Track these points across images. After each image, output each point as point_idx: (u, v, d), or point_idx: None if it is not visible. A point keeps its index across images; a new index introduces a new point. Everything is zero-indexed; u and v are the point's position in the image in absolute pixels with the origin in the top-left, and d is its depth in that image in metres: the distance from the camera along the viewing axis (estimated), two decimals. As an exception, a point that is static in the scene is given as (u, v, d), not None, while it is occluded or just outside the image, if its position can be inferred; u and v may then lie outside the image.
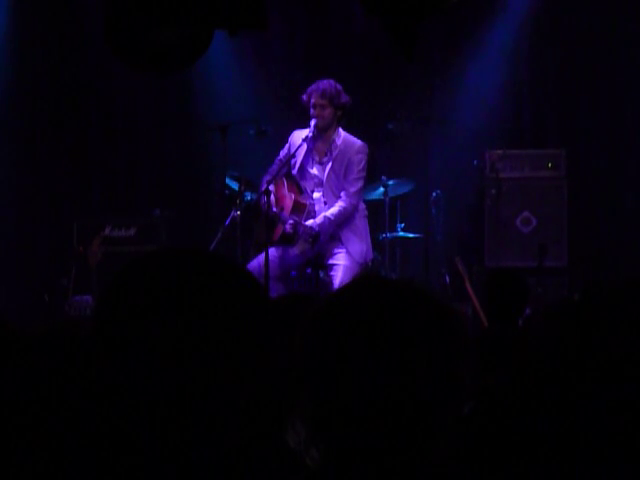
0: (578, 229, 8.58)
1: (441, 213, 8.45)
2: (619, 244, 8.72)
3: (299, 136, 7.18)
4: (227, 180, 7.41)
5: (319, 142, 7.19)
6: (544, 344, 2.04)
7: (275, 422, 1.49)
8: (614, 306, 1.94)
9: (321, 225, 7.00)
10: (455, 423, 1.61)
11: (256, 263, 6.96)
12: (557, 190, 8.53)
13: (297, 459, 1.70)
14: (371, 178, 7.64)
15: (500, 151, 8.47)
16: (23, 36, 9.08)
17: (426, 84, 9.14)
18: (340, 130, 7.17)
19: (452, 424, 1.60)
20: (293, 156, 7.22)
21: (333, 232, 7.11)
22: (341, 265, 7.07)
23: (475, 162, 8.61)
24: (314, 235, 6.96)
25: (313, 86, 7.12)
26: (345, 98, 7.10)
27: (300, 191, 7.25)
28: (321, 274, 7.21)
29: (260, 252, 7.01)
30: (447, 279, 8.23)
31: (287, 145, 7.33)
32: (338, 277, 7.01)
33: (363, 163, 7.12)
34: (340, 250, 7.13)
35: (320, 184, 7.21)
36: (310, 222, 7.02)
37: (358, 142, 7.16)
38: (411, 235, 8.26)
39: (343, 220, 7.10)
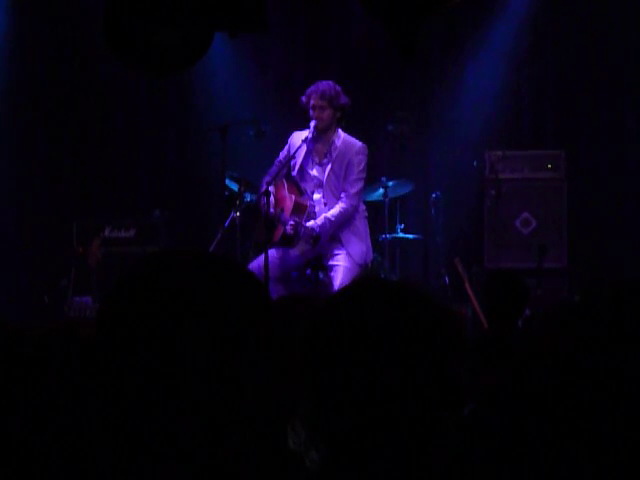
0: (578, 230, 8.58)
1: (441, 214, 8.46)
2: (619, 245, 8.72)
3: (299, 137, 7.18)
4: (227, 181, 7.40)
5: (319, 143, 7.19)
6: (544, 345, 2.04)
7: (275, 423, 1.49)
8: (614, 307, 1.94)
9: (322, 226, 7.00)
10: (455, 424, 1.61)
11: (256, 264, 6.95)
12: (557, 191, 8.53)
13: (297, 460, 1.70)
14: (370, 179, 7.64)
15: (500, 152, 8.47)
16: (23, 36, 9.08)
17: (426, 85, 9.14)
18: (340, 131, 7.17)
19: (452, 425, 1.60)
20: (293, 157, 7.22)
21: (333, 233, 7.11)
22: (341, 266, 7.07)
23: (475, 163, 8.60)
24: (315, 236, 6.96)
25: (312, 87, 7.12)
26: (344, 99, 7.10)
27: (300, 192, 7.25)
28: (321, 275, 7.21)
29: (260, 253, 7.01)
30: (447, 280, 8.23)
31: (287, 146, 7.32)
32: (338, 278, 7.01)
33: (363, 164, 7.12)
34: (340, 251, 7.13)
35: (320, 185, 7.21)
36: (311, 223, 7.02)
37: (358, 143, 7.16)
38: (411, 236, 8.26)
39: (343, 221, 7.10)
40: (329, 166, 7.14)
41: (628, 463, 1.85)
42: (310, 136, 7.08)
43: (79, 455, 1.62)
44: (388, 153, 8.78)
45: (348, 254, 7.11)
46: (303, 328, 1.62)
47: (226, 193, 7.41)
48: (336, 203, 7.11)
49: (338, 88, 7.10)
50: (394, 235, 8.08)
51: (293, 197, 7.13)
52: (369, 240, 7.31)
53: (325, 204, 7.17)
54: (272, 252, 7.00)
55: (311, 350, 1.60)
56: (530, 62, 9.03)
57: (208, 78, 9.02)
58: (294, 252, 7.15)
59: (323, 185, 7.18)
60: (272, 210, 7.03)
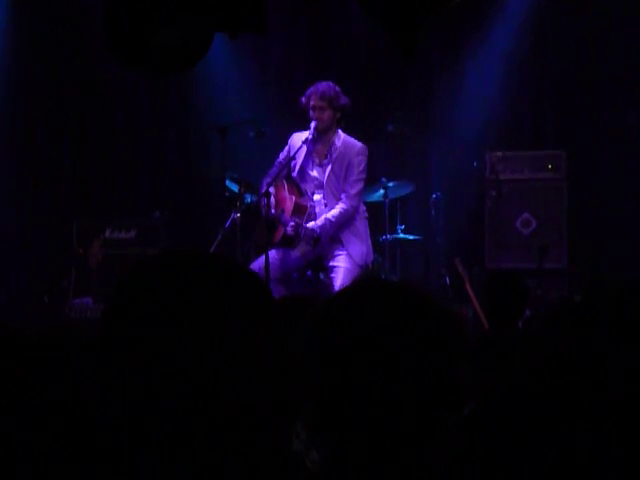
0: (578, 231, 8.57)
1: (441, 215, 8.45)
2: (619, 245, 8.71)
3: (299, 138, 7.18)
4: (227, 182, 7.40)
5: (319, 144, 7.19)
6: (544, 345, 2.04)
7: (276, 423, 1.49)
8: (614, 308, 1.94)
9: (322, 227, 7.00)
10: (455, 424, 1.61)
11: (256, 265, 6.95)
12: (557, 192, 8.52)
13: (298, 460, 1.71)
14: (370, 180, 7.64)
15: (500, 153, 8.46)
16: (23, 36, 9.08)
17: (426, 85, 9.14)
18: (340, 132, 7.17)
19: (452, 425, 1.60)
20: (293, 158, 7.22)
21: (334, 234, 7.11)
22: (342, 267, 7.07)
23: (475, 164, 8.60)
24: (316, 237, 6.96)
25: (312, 88, 7.12)
26: (344, 100, 7.10)
27: (300, 193, 7.25)
28: (321, 276, 7.21)
29: (260, 254, 7.01)
30: (447, 281, 8.23)
31: (287, 147, 7.33)
32: (338, 279, 7.01)
33: (363, 165, 7.12)
34: (341, 252, 7.13)
35: (320, 186, 7.21)
36: (311, 224, 7.02)
37: (358, 144, 7.16)
38: (411, 237, 8.26)
39: (344, 222, 7.10)
40: (329, 167, 7.14)
41: (628, 463, 1.85)
42: (310, 137, 7.08)
43: (79, 456, 1.61)
44: (388, 154, 8.77)
45: (349, 255, 7.11)
46: (303, 329, 1.62)
47: (226, 194, 7.41)
48: (336, 204, 7.11)
49: (338, 89, 7.10)
50: (394, 236, 8.08)
51: (293, 198, 7.14)
52: (369, 241, 7.31)
53: (325, 205, 7.17)
54: (272, 253, 7.00)
55: (311, 351, 1.60)
56: (530, 62, 9.03)
57: (208, 78, 9.02)
58: (294, 253, 7.15)
59: (323, 186, 7.18)
60: (273, 211, 7.03)
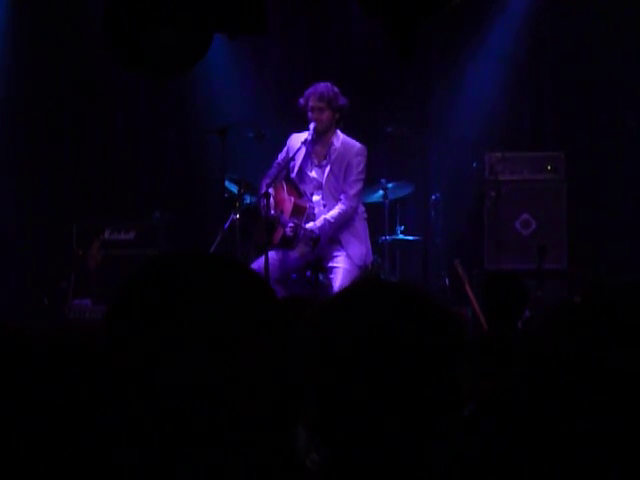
0: (577, 231, 8.57)
1: (440, 216, 8.45)
2: (618, 246, 8.72)
3: (297, 139, 7.18)
4: (226, 183, 7.40)
5: (318, 145, 7.19)
6: (544, 347, 2.04)
7: (276, 423, 1.49)
8: (614, 308, 1.94)
9: (321, 228, 7.00)
10: (455, 424, 1.61)
11: (256, 266, 6.95)
12: (556, 192, 8.53)
13: (299, 461, 1.70)
14: (370, 181, 7.64)
15: (499, 154, 8.47)
16: (23, 36, 9.08)
17: (426, 86, 9.14)
18: (339, 133, 7.18)
19: (452, 425, 1.60)
20: (292, 159, 7.22)
21: (333, 235, 7.11)
22: (341, 268, 7.07)
23: (474, 165, 8.61)
24: (315, 238, 6.96)
25: (311, 89, 7.12)
26: (343, 101, 7.11)
27: (299, 194, 7.25)
28: (321, 277, 7.21)
29: (260, 255, 7.01)
30: (447, 282, 8.23)
31: (285, 148, 7.33)
32: (338, 280, 7.01)
33: (362, 165, 7.13)
34: (340, 253, 7.13)
35: (319, 187, 7.21)
36: (310, 225, 7.02)
37: (357, 145, 7.16)
38: (411, 238, 8.26)
39: (343, 223, 7.11)
40: (328, 168, 7.14)
41: (628, 463, 1.85)
42: (309, 138, 7.08)
43: (79, 456, 1.61)
44: (387, 154, 8.78)
45: (348, 256, 7.11)
46: (303, 329, 1.62)
47: (226, 195, 7.41)
48: (335, 205, 7.11)
49: (336, 89, 7.10)
50: (394, 237, 8.08)
51: (292, 199, 7.14)
52: (369, 242, 7.31)
53: (324, 206, 7.17)
54: (272, 254, 7.00)
55: (311, 351, 1.60)
56: (529, 63, 9.04)
57: (207, 80, 9.02)
58: (294, 254, 7.15)
59: (322, 187, 7.19)
60: (272, 212, 7.03)
